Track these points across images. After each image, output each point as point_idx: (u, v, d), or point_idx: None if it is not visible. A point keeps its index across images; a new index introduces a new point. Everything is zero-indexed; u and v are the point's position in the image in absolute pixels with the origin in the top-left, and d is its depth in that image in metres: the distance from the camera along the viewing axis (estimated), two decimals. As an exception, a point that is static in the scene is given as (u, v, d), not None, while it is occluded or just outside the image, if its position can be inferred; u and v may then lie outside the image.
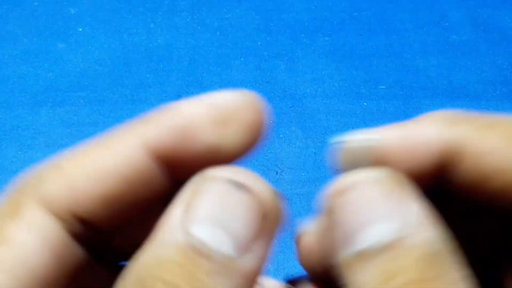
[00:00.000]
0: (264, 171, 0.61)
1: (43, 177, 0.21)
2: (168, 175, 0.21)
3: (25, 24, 0.75)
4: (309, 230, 0.24)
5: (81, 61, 0.71)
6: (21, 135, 0.64)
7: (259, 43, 0.73)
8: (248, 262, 0.18)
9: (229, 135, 0.20)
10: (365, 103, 0.68)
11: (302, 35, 0.74)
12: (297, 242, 0.25)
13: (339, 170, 0.22)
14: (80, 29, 0.75)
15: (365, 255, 0.19)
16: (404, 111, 0.67)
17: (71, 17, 0.75)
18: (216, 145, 0.20)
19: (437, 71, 0.71)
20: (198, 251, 0.17)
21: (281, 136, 0.64)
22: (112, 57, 0.71)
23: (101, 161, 0.21)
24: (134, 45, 0.73)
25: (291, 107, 0.67)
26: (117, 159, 0.21)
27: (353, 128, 0.69)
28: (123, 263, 0.24)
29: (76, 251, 0.22)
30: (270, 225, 0.20)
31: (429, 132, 0.22)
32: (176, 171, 0.21)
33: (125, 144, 0.21)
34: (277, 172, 0.61)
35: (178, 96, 0.67)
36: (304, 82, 0.70)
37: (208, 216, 0.18)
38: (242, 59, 0.71)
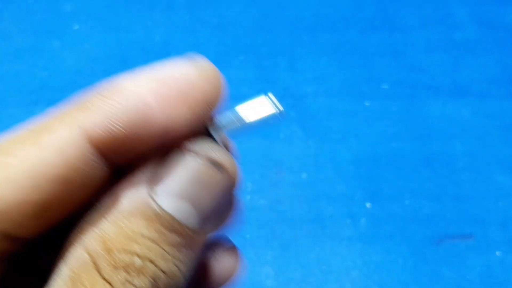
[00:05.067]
0: (264, 171, 0.60)
1: None
2: (107, 163, 0.19)
3: (19, 21, 0.74)
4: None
5: (76, 59, 0.70)
6: (15, 135, 0.64)
7: (259, 40, 0.72)
8: (207, 231, 0.19)
9: (181, 114, 0.19)
10: (367, 103, 0.67)
11: (303, 32, 0.74)
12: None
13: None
14: (76, 27, 0.74)
15: None
16: (408, 110, 0.66)
17: (66, 14, 0.74)
18: (167, 127, 0.19)
19: (441, 69, 0.70)
20: (169, 225, 0.17)
21: (282, 136, 0.64)
22: (109, 55, 0.71)
23: (31, 160, 0.18)
24: (131, 42, 0.72)
25: (292, 106, 0.66)
26: (51, 156, 0.18)
27: (355, 128, 0.68)
28: None
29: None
30: (235, 199, 0.21)
31: None
32: (117, 158, 0.19)
33: (60, 135, 0.18)
34: (276, 173, 0.61)
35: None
36: (305, 80, 0.69)
37: (181, 190, 0.18)
38: (241, 57, 0.71)
